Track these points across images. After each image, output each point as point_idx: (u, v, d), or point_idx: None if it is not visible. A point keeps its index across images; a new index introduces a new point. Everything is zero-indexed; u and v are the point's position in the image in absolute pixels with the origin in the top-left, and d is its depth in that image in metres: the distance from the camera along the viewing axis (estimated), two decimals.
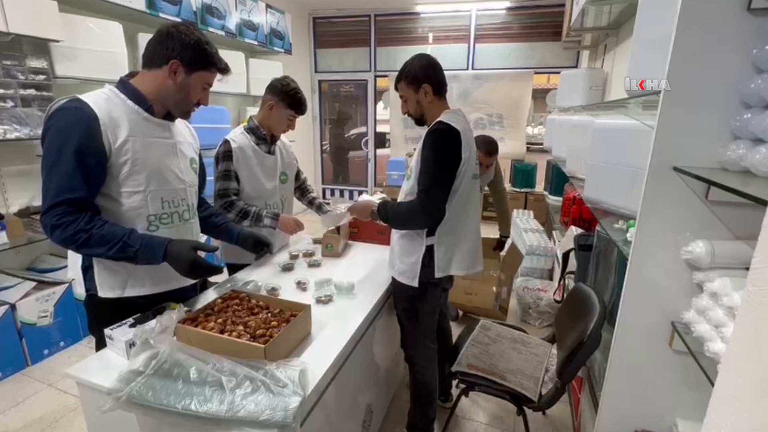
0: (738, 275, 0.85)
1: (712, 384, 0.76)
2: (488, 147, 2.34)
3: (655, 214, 0.99)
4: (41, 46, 2.32)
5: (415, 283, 1.46)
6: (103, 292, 1.15)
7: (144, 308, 1.18)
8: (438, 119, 1.38)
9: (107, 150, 1.06)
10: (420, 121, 1.48)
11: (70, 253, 1.20)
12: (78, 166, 1.01)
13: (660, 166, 0.95)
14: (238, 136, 1.70)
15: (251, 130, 1.73)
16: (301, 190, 2.09)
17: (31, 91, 2.30)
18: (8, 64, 2.20)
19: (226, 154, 1.65)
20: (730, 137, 0.89)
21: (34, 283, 2.31)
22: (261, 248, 1.55)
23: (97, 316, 1.21)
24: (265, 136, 1.74)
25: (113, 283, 1.15)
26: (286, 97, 1.67)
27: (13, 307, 2.16)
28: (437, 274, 1.44)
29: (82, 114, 1.03)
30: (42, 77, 2.33)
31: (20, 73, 2.25)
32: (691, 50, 0.89)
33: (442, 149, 1.33)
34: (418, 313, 1.54)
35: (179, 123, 1.29)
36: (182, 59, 1.11)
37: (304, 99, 1.72)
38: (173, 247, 1.08)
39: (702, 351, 0.88)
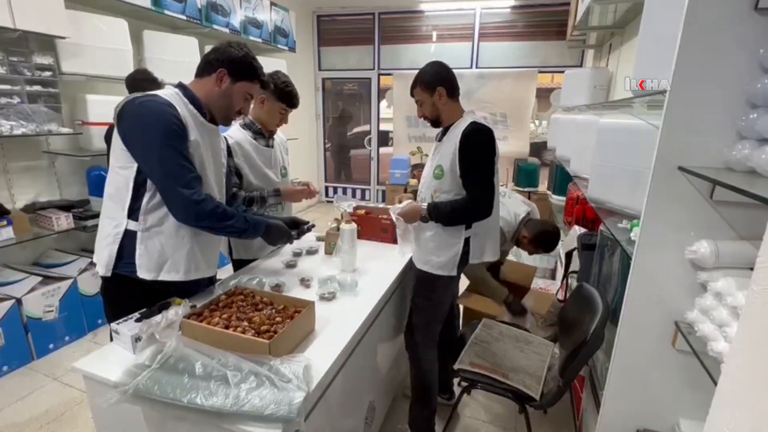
0: (742, 275, 0.84)
1: (716, 384, 0.76)
2: (549, 244, 2.13)
3: (659, 213, 0.99)
4: (47, 43, 2.34)
5: (455, 273, 1.56)
6: (141, 273, 1.20)
7: (164, 295, 1.22)
8: (471, 120, 1.46)
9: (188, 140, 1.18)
10: (436, 123, 1.56)
11: (104, 232, 1.22)
12: (185, 150, 1.16)
13: (665, 165, 0.95)
14: (234, 132, 1.73)
15: (246, 126, 1.76)
16: None
17: (38, 88, 2.32)
18: (15, 60, 2.21)
19: (225, 151, 1.67)
20: (735, 137, 0.89)
21: (39, 278, 2.34)
22: (297, 227, 1.59)
23: (117, 299, 1.25)
24: (260, 131, 1.76)
25: (152, 266, 1.20)
26: (276, 91, 1.69)
27: (19, 301, 2.19)
28: (472, 261, 1.57)
29: (169, 107, 1.14)
30: (48, 74, 2.35)
31: (27, 69, 2.26)
32: (698, 49, 0.88)
33: (487, 148, 1.44)
34: (439, 301, 1.64)
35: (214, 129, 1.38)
36: (229, 69, 1.24)
37: (296, 92, 1.74)
38: (273, 227, 1.37)
39: (705, 351, 0.88)
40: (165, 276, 1.22)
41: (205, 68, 1.26)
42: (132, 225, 1.18)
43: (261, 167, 1.76)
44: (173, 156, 1.12)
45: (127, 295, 1.22)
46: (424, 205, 1.53)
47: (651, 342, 1.08)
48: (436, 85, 1.48)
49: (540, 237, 2.11)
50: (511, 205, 2.24)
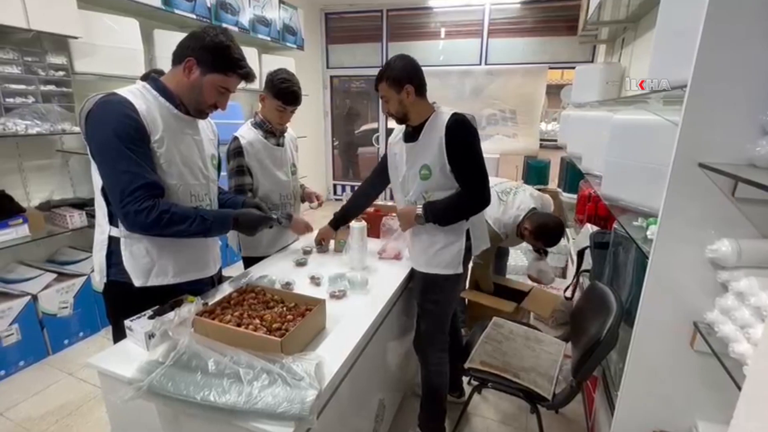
0: (766, 275, 0.82)
1: (738, 386, 0.74)
2: (549, 238, 2.10)
3: (678, 211, 0.96)
4: (61, 43, 2.37)
5: (461, 270, 1.53)
6: (133, 279, 1.18)
7: (162, 299, 1.20)
8: (452, 112, 1.42)
9: (150, 140, 1.11)
10: (402, 121, 1.49)
11: (95, 239, 1.22)
12: (139, 153, 1.07)
13: (684, 162, 0.92)
14: (246, 132, 1.72)
15: (257, 124, 1.75)
16: None
17: (51, 87, 2.34)
18: (29, 60, 2.24)
19: (236, 151, 1.68)
20: (759, 132, 0.86)
21: (54, 275, 2.37)
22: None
23: (117, 304, 1.24)
24: (270, 129, 1.75)
25: (138, 272, 1.18)
26: (273, 88, 1.65)
27: (34, 298, 2.23)
28: (474, 252, 1.56)
29: (127, 106, 1.08)
30: (62, 73, 2.37)
31: (41, 69, 2.29)
32: (720, 41, 0.85)
33: (473, 136, 1.41)
34: (448, 301, 1.61)
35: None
36: (198, 58, 1.14)
37: (293, 90, 1.66)
38: (243, 218, 1.26)
39: (726, 352, 0.86)
40: (154, 281, 1.19)
41: (177, 56, 1.16)
42: (114, 231, 1.16)
43: (270, 167, 1.76)
44: (121, 161, 1.05)
45: (126, 300, 1.19)
46: (419, 208, 1.46)
47: (668, 342, 1.06)
48: (404, 82, 1.39)
49: (540, 229, 2.07)
50: (515, 203, 2.20)
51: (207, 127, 1.36)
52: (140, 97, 1.12)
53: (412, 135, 1.49)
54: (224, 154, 1.66)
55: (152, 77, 1.18)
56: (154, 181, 1.09)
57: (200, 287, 1.34)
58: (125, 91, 1.12)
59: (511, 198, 2.23)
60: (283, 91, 1.65)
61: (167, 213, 1.09)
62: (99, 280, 1.23)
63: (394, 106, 1.44)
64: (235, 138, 1.69)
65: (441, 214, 1.45)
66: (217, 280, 1.47)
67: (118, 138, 1.04)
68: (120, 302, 1.23)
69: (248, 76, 1.21)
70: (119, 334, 1.17)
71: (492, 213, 2.14)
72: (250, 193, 1.70)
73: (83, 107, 1.12)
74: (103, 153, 1.07)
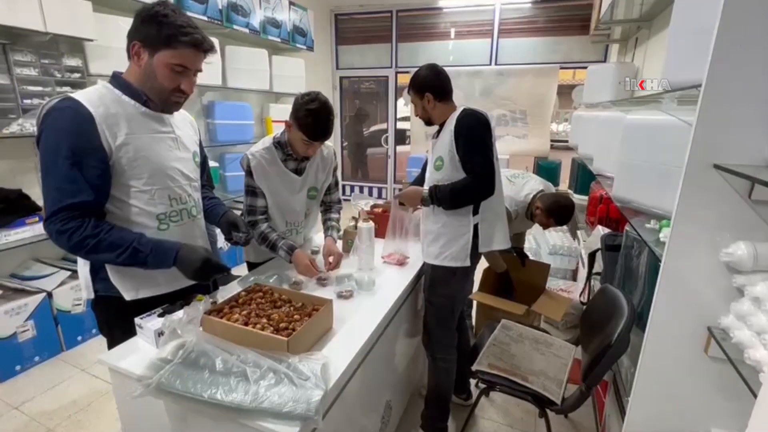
0: None
1: (754, 393, 0.72)
2: (562, 216, 2.05)
3: (692, 213, 0.94)
4: (76, 45, 2.42)
5: (468, 263, 1.56)
6: (122, 293, 1.13)
7: (155, 307, 1.16)
8: (463, 108, 1.52)
9: (108, 149, 1.01)
10: (429, 123, 1.64)
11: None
12: (78, 169, 0.97)
13: (699, 163, 0.90)
14: (258, 151, 1.55)
15: (280, 144, 1.56)
16: (325, 205, 1.86)
17: (67, 89, 2.39)
18: (46, 62, 2.29)
19: (247, 170, 1.55)
20: None
21: (68, 273, 2.42)
22: (236, 232, 1.35)
23: (109, 318, 1.20)
24: (291, 154, 1.57)
25: (127, 285, 1.13)
26: (297, 119, 1.42)
27: (50, 294, 2.28)
28: (481, 249, 1.57)
29: (77, 114, 0.98)
30: (77, 75, 2.42)
31: (57, 71, 2.34)
32: (736, 40, 0.83)
33: (482, 128, 1.48)
34: (454, 297, 1.64)
35: (179, 114, 1.21)
36: (141, 39, 1.01)
37: (320, 122, 1.41)
38: (184, 251, 1.08)
39: (741, 359, 0.83)
40: (145, 292, 1.13)
41: (127, 47, 1.03)
42: None
43: (282, 192, 1.59)
44: (55, 175, 0.96)
45: (118, 313, 1.14)
46: (425, 190, 1.55)
47: (681, 348, 1.03)
48: (424, 90, 1.55)
49: (553, 207, 2.04)
50: (524, 184, 2.21)
51: (184, 122, 1.25)
52: (98, 99, 1.02)
53: (437, 133, 1.63)
54: (234, 153, 1.63)
55: (115, 74, 1.08)
56: (85, 201, 0.98)
57: (197, 293, 1.25)
58: (82, 95, 1.02)
59: (520, 180, 2.26)
60: (309, 126, 1.41)
61: (93, 238, 0.98)
62: (86, 296, 1.16)
63: (420, 110, 1.62)
64: (245, 157, 1.56)
65: (445, 195, 1.49)
66: (214, 284, 1.41)
67: (57, 149, 0.96)
68: (112, 316, 1.18)
69: (198, 44, 1.04)
70: (113, 347, 1.13)
71: (504, 191, 2.12)
72: (262, 215, 1.59)
73: (40, 112, 1.03)
74: (42, 165, 0.98)
